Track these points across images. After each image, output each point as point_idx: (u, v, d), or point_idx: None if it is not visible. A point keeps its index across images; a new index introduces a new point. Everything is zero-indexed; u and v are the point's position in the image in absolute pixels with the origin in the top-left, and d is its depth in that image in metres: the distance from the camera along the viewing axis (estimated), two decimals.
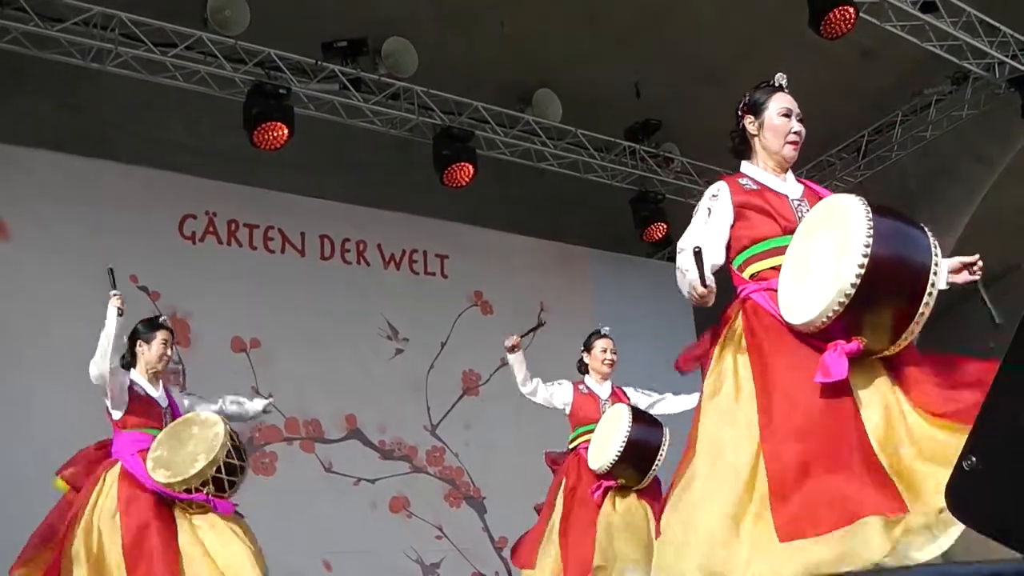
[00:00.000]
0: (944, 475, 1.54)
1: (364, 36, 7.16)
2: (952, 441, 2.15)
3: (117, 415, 4.19)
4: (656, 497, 4.58)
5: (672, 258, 2.81)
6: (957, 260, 2.53)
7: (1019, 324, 1.30)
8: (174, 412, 4.32)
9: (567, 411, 4.97)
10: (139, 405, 4.20)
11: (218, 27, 6.65)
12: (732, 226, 2.71)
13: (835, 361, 2.30)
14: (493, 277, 8.48)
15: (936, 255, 2.29)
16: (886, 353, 2.39)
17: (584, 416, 4.88)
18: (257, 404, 4.71)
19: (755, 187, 2.74)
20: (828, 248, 2.37)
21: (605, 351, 4.98)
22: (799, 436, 2.30)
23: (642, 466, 4.48)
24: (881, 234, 2.25)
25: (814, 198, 2.71)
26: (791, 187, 2.78)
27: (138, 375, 4.30)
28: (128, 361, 4.32)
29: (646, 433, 4.47)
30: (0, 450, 5.89)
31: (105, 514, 3.97)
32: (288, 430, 7.16)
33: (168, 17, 6.49)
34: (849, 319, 2.29)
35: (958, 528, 2.04)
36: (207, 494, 3.96)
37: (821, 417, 2.30)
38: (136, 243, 6.79)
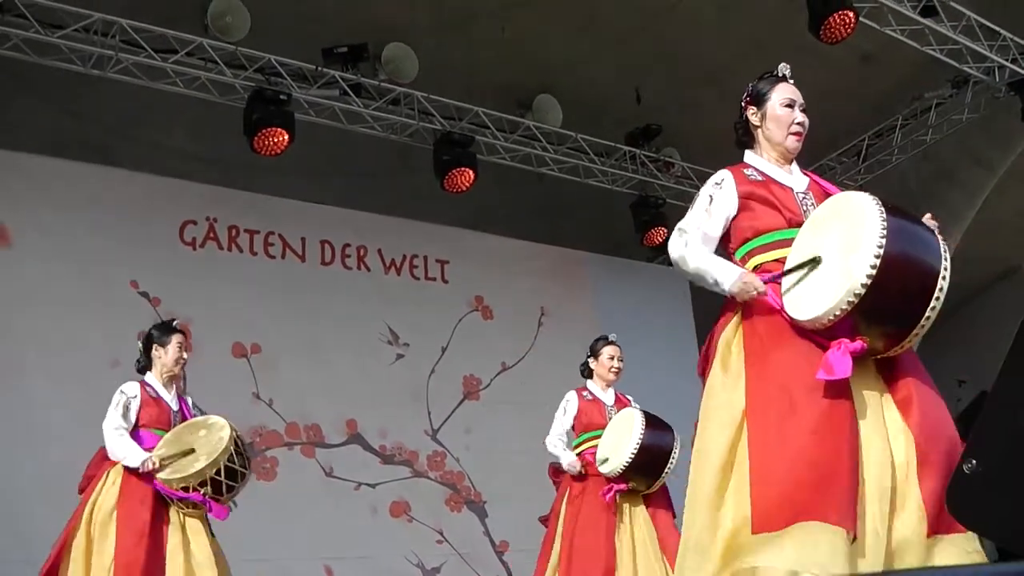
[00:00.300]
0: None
1: (364, 42, 7.16)
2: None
3: None
4: (661, 503, 4.59)
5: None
6: None
7: (1018, 331, 1.31)
8: (184, 416, 4.34)
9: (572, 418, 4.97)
10: (150, 407, 4.22)
11: (219, 33, 6.65)
12: (735, 216, 2.65)
13: (839, 360, 2.27)
14: (494, 282, 8.46)
15: (946, 258, 2.27)
16: (887, 354, 2.36)
17: (589, 422, 4.87)
18: None
19: (760, 178, 2.67)
20: (837, 244, 2.33)
21: (613, 358, 4.95)
22: (794, 436, 2.28)
23: (653, 471, 4.49)
24: (894, 233, 2.22)
25: (819, 192, 2.68)
26: (796, 179, 2.72)
27: (153, 378, 4.32)
28: (144, 365, 4.35)
29: (658, 438, 4.47)
30: (1, 454, 5.89)
31: (103, 511, 4.00)
32: (289, 435, 7.16)
33: (168, 23, 6.49)
34: (856, 318, 2.26)
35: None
36: (204, 495, 3.96)
37: (820, 417, 2.28)
38: (137, 249, 6.80)
